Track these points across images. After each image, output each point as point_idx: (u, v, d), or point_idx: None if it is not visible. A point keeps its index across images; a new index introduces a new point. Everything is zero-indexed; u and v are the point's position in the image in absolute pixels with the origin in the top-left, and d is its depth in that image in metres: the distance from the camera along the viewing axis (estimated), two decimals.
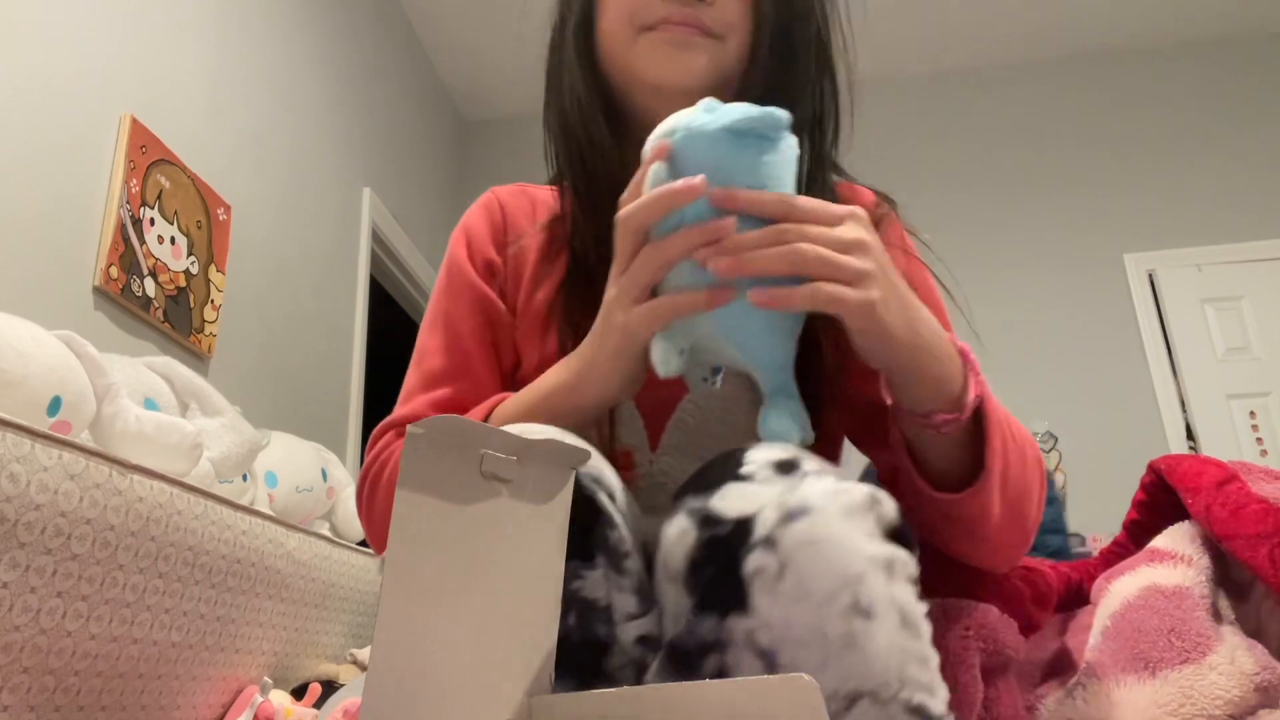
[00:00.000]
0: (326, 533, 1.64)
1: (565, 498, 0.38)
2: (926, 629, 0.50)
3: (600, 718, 0.33)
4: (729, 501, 0.48)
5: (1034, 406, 3.58)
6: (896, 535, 0.50)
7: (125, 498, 0.88)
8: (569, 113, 0.80)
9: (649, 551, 0.55)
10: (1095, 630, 0.69)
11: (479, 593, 0.35)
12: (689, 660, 0.47)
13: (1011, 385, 3.59)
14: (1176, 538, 0.72)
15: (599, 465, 0.54)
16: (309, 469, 1.77)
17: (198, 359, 2.07)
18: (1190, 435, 3.49)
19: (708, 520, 0.48)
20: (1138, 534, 0.86)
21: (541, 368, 0.78)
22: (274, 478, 1.66)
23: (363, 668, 1.35)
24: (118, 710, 0.90)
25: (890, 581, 0.47)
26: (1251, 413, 3.47)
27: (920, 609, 0.49)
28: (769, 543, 0.46)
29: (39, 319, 1.10)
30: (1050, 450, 3.53)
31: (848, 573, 0.46)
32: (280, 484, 1.66)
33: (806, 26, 0.79)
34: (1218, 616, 0.65)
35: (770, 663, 0.45)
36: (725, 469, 0.51)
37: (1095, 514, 3.40)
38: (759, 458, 0.51)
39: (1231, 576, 0.70)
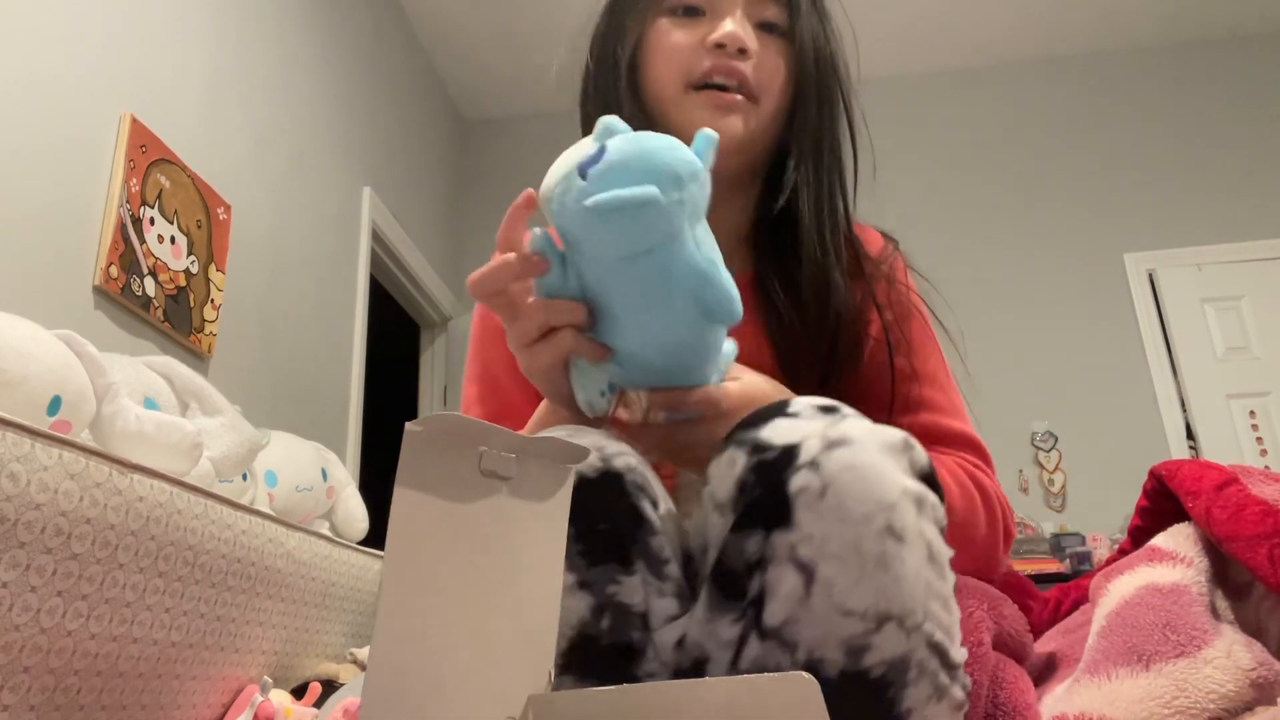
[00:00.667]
0: (326, 532, 1.64)
1: (565, 495, 0.38)
2: (951, 576, 0.52)
3: (599, 716, 0.33)
4: (777, 432, 0.52)
5: (1034, 406, 3.58)
6: (927, 480, 0.53)
7: (125, 497, 0.88)
8: None
9: (688, 557, 0.57)
10: (1093, 630, 0.69)
11: (478, 590, 0.35)
12: (734, 581, 0.50)
13: (1012, 385, 3.60)
14: (1178, 538, 0.72)
15: (644, 473, 0.56)
16: (309, 468, 1.77)
17: (197, 358, 2.07)
18: (1190, 435, 3.49)
19: (757, 448, 0.52)
20: (1141, 540, 0.87)
21: None
22: (274, 477, 1.66)
23: (363, 667, 1.35)
24: (118, 710, 0.91)
25: (920, 516, 0.51)
26: (1251, 412, 3.47)
27: (946, 552, 0.52)
28: (813, 465, 0.49)
29: (39, 318, 1.10)
30: (1050, 450, 3.53)
31: (883, 498, 0.49)
32: (280, 483, 1.66)
33: (833, 87, 0.87)
34: (1216, 615, 0.65)
35: (809, 576, 0.48)
36: (772, 410, 0.55)
37: (1095, 514, 3.40)
38: (804, 402, 0.55)
39: (1231, 577, 0.70)
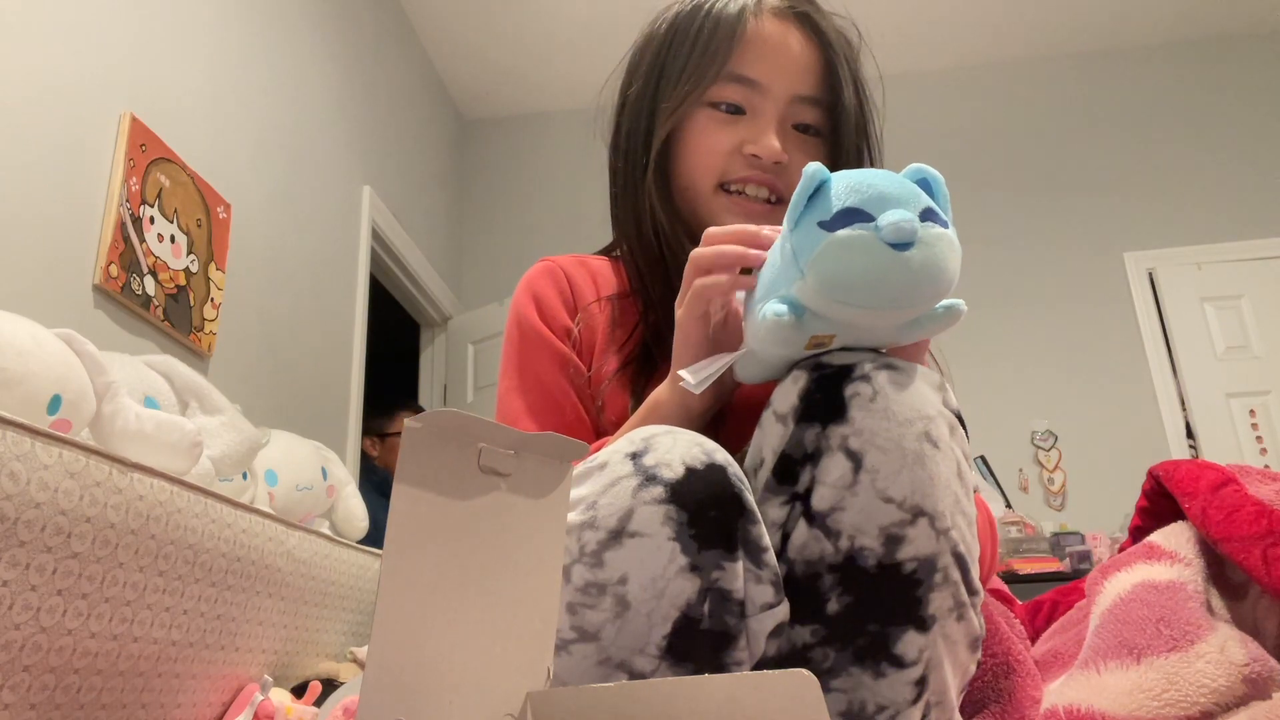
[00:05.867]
0: (326, 531, 1.64)
1: (564, 492, 0.39)
2: (973, 509, 0.59)
3: (598, 714, 0.33)
4: (836, 358, 0.60)
5: (1034, 406, 3.58)
6: (957, 418, 0.61)
7: (125, 496, 0.88)
8: (651, 242, 0.89)
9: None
10: (1090, 627, 0.69)
11: (477, 587, 0.35)
12: (790, 468, 0.58)
13: (1011, 385, 3.60)
14: (1175, 537, 0.72)
15: (739, 468, 0.59)
16: (309, 467, 1.77)
17: (197, 357, 2.07)
18: (1190, 434, 3.49)
19: (818, 367, 0.60)
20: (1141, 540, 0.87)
21: (621, 419, 0.83)
22: (274, 476, 1.66)
23: (363, 666, 1.35)
24: (118, 708, 0.91)
25: (952, 436, 0.58)
26: (1251, 411, 3.48)
27: (971, 479, 0.59)
28: (866, 378, 0.58)
29: (39, 317, 1.10)
30: (1050, 449, 3.53)
31: (923, 410, 0.57)
32: (280, 482, 1.66)
33: (864, 162, 0.89)
34: (1212, 614, 0.65)
35: (857, 463, 0.55)
36: (831, 350, 0.62)
37: (1095, 513, 3.41)
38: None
39: (1227, 577, 0.70)
